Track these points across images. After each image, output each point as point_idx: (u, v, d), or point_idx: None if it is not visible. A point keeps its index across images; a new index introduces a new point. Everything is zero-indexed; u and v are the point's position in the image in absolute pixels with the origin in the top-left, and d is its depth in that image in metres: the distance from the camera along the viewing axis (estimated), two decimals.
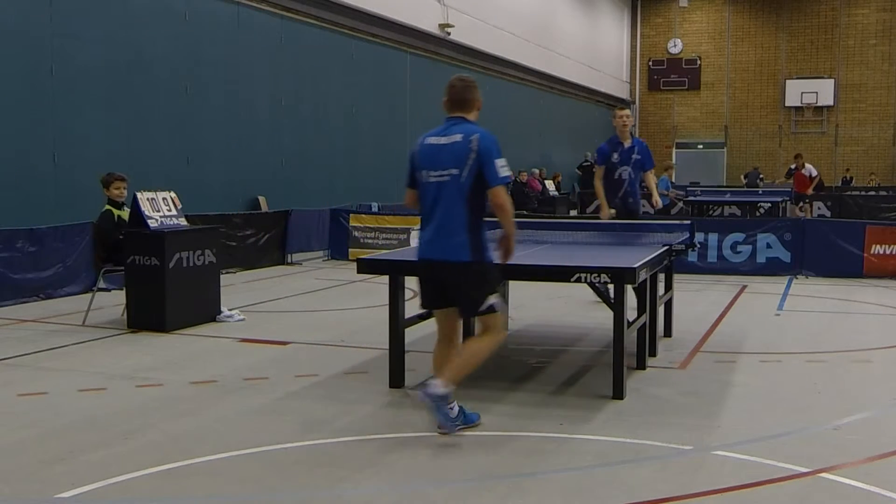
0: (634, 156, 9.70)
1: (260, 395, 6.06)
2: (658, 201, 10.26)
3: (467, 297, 5.09)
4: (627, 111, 9.95)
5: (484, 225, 5.14)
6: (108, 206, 9.09)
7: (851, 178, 32.11)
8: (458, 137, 4.99)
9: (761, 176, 30.01)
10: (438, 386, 4.93)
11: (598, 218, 10.04)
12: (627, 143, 9.71)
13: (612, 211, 9.65)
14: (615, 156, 9.64)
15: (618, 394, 5.87)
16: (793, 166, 21.69)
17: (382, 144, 19.15)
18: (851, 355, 7.46)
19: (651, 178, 10.11)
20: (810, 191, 20.91)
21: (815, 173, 21.27)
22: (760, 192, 22.60)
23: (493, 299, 5.11)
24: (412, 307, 6.86)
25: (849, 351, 7.64)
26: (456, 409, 5.05)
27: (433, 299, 5.29)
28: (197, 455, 4.72)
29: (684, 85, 35.95)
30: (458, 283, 5.07)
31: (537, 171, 25.13)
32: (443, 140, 5.05)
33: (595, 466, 4.61)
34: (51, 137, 11.44)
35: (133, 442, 4.99)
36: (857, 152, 33.64)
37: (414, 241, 13.28)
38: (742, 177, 30.60)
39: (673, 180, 24.89)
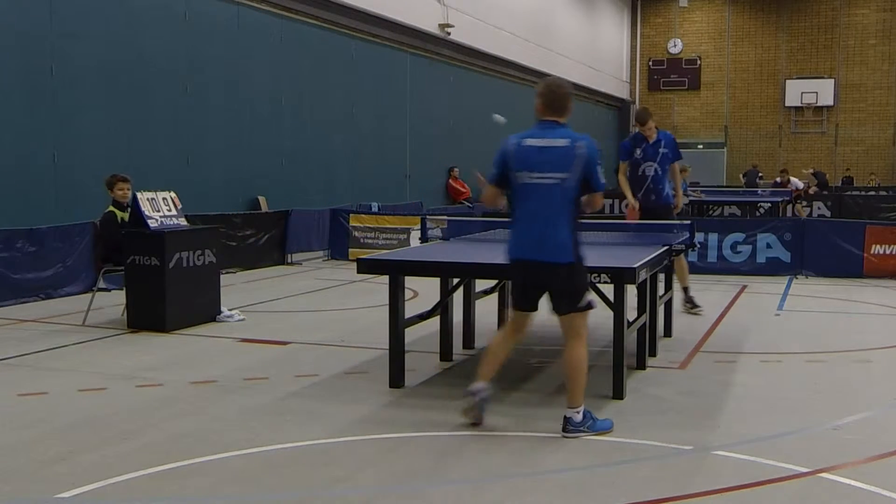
0: (661, 150, 9.21)
1: (260, 395, 6.06)
2: (680, 204, 9.71)
3: (569, 295, 5.17)
4: (650, 123, 9.23)
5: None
6: (111, 208, 9.11)
7: (852, 179, 32.10)
8: (562, 142, 5.07)
9: (760, 174, 30.01)
10: (570, 412, 5.11)
11: (597, 218, 9.94)
12: (653, 139, 9.19)
13: (637, 203, 9.23)
14: (638, 151, 9.24)
15: (618, 394, 5.87)
16: (778, 179, 22.02)
17: (382, 144, 19.15)
18: (851, 355, 7.46)
19: (677, 174, 9.56)
20: (807, 191, 21.04)
21: (801, 185, 21.54)
22: (760, 192, 22.59)
23: (589, 296, 5.26)
24: (412, 307, 6.87)
25: (849, 351, 7.64)
26: (581, 413, 5.11)
27: (532, 299, 5.31)
28: (197, 455, 4.72)
29: (684, 85, 35.96)
30: (560, 283, 5.14)
31: None
32: (542, 143, 5.10)
33: (595, 466, 4.61)
34: (51, 137, 11.44)
35: (133, 442, 4.99)
36: (857, 152, 33.64)
37: (414, 241, 13.28)
38: (741, 176, 30.61)
39: (688, 183, 24.90)
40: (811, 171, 27.76)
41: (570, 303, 5.16)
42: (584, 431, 5.06)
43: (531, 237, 5.11)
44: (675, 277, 8.59)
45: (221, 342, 7.96)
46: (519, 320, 5.43)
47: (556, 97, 5.16)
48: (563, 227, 5.06)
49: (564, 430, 5.08)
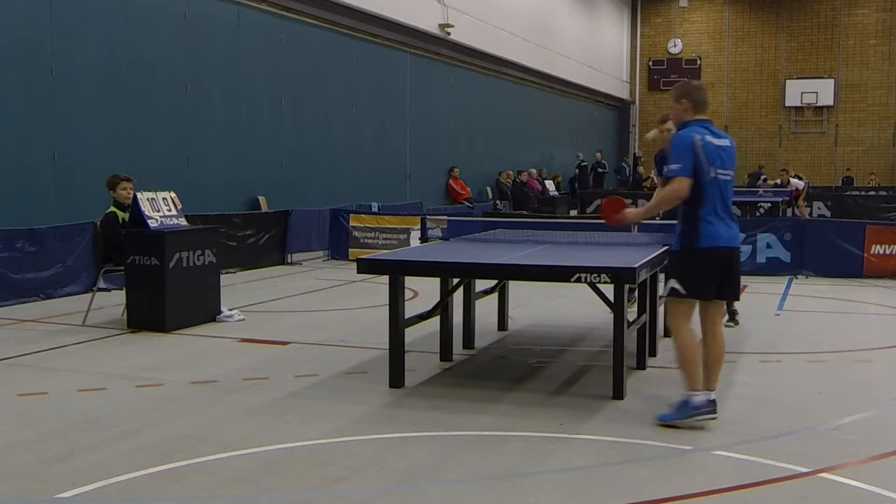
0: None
1: (260, 395, 6.06)
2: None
3: (739, 280, 5.55)
4: (668, 124, 8.30)
5: None
6: (112, 208, 9.09)
7: (852, 179, 32.08)
8: (727, 142, 5.47)
9: (764, 176, 30.11)
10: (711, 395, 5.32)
11: (598, 218, 9.76)
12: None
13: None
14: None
15: (618, 394, 5.87)
16: (778, 181, 21.99)
17: (382, 144, 19.15)
18: (851, 355, 7.46)
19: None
20: (801, 202, 20.97)
21: (801, 186, 21.54)
22: (760, 192, 22.58)
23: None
24: (412, 307, 6.87)
25: (849, 351, 7.64)
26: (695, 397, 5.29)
27: (727, 287, 5.46)
28: (197, 455, 4.72)
29: None
30: (738, 268, 5.47)
31: (535, 171, 25.13)
32: (718, 142, 5.36)
33: (595, 466, 4.61)
34: (51, 137, 11.44)
35: (133, 442, 4.99)
36: (857, 152, 33.63)
37: (414, 241, 13.28)
38: (746, 175, 30.65)
39: None
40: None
41: (738, 288, 5.58)
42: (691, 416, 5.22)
43: (730, 227, 5.34)
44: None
45: (221, 342, 7.96)
46: (713, 315, 5.50)
47: (705, 95, 5.49)
48: (734, 217, 5.48)
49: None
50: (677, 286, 5.29)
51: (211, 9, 14.23)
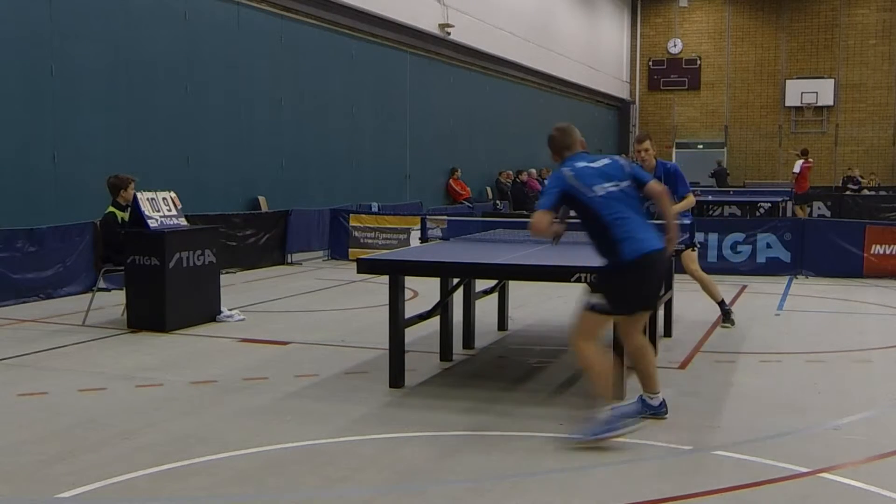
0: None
1: (260, 395, 6.06)
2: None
3: (661, 286, 5.68)
4: (646, 143, 8.35)
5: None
6: (111, 208, 9.07)
7: (852, 179, 32.05)
8: (608, 160, 5.46)
9: (727, 172, 30.57)
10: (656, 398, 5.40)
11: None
12: (651, 165, 8.26)
13: None
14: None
15: (618, 394, 5.87)
16: (801, 162, 21.65)
17: (382, 144, 19.15)
18: (851, 355, 7.46)
19: (675, 208, 7.89)
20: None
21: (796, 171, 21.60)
22: (731, 192, 22.68)
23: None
24: (412, 307, 6.87)
25: (849, 351, 7.64)
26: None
27: (651, 296, 5.46)
28: (197, 455, 4.72)
29: (684, 85, 35.93)
30: (661, 273, 5.48)
31: (535, 171, 25.11)
32: (595, 164, 5.34)
33: (595, 466, 4.61)
34: (51, 137, 11.44)
35: (133, 442, 4.99)
36: (857, 152, 33.60)
37: (414, 241, 13.28)
38: (709, 175, 30.92)
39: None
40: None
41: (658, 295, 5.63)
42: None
43: (648, 231, 5.25)
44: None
45: (221, 342, 7.96)
46: (639, 320, 5.37)
47: (567, 137, 5.41)
48: None
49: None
50: (600, 302, 5.11)
51: (211, 9, 14.22)
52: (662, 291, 5.27)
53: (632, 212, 5.16)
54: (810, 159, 22.08)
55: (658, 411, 5.37)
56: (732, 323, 8.74)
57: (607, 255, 5.15)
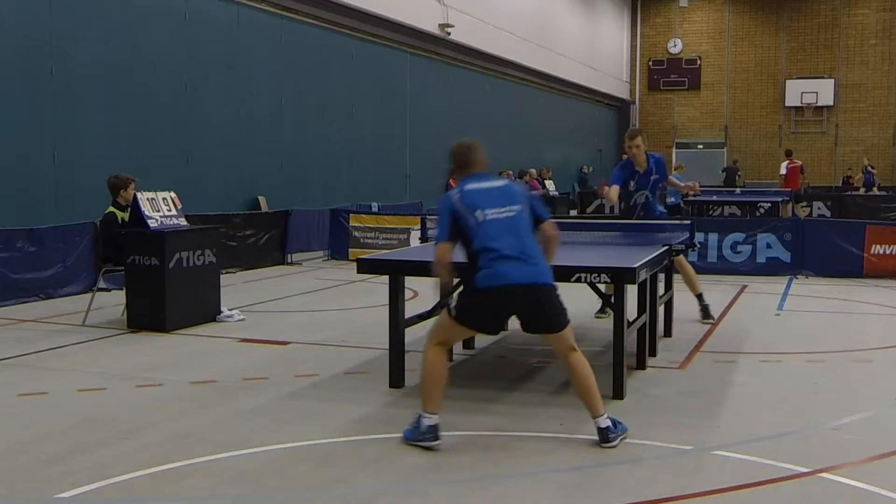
0: (653, 177, 8.74)
1: (260, 395, 6.06)
2: (695, 186, 10.08)
3: (551, 313, 5.10)
4: (638, 139, 8.57)
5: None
6: (111, 208, 9.07)
7: (864, 168, 31.75)
8: (500, 183, 5.30)
9: (739, 171, 30.56)
10: (603, 420, 4.91)
11: (598, 218, 9.96)
12: (643, 168, 8.62)
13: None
14: (632, 184, 8.68)
15: (618, 394, 5.87)
16: (786, 163, 21.98)
17: (382, 144, 19.15)
18: (851, 355, 7.46)
19: (675, 185, 9.99)
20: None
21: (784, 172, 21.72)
22: (738, 191, 22.67)
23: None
24: (412, 307, 6.87)
25: (849, 351, 7.63)
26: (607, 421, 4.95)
27: (534, 321, 5.12)
28: (197, 455, 4.72)
29: (684, 85, 35.96)
30: (546, 302, 5.06)
31: (535, 171, 25.12)
32: (483, 185, 5.12)
33: (595, 466, 4.61)
34: (51, 137, 11.45)
35: (133, 442, 4.99)
36: (857, 152, 33.62)
37: (414, 241, 13.27)
38: (721, 171, 31.00)
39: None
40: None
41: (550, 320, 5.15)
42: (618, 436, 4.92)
43: (523, 264, 5.00)
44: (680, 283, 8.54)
45: (221, 342, 7.96)
46: (552, 340, 5.20)
47: (466, 156, 5.20)
48: None
49: (605, 440, 4.90)
50: (453, 307, 5.06)
51: (211, 9, 14.23)
52: (541, 319, 4.97)
53: (513, 239, 4.90)
54: (795, 160, 22.17)
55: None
56: (711, 317, 8.83)
57: (467, 274, 5.03)
